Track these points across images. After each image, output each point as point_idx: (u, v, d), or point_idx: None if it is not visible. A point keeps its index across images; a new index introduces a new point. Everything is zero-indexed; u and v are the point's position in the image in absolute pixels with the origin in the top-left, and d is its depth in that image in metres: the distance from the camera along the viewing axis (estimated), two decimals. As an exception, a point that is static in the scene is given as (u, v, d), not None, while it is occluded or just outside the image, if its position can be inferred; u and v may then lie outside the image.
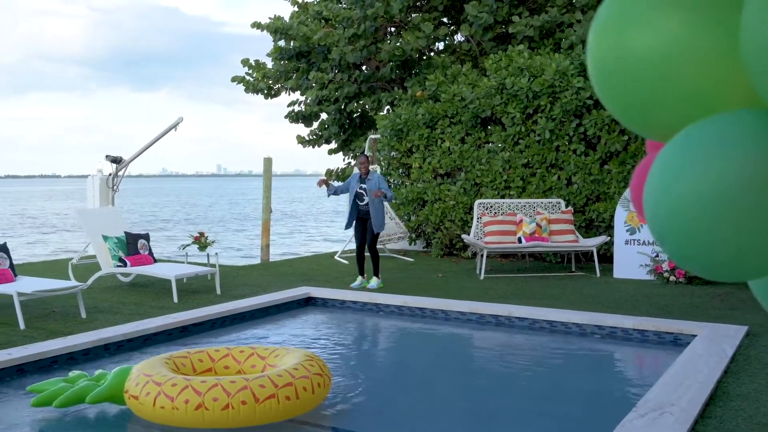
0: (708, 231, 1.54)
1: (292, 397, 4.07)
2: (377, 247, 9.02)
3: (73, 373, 4.60)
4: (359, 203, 8.77)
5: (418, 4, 15.30)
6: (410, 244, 12.95)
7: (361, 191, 8.73)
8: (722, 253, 1.57)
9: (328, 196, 8.94)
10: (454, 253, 12.18)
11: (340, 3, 16.15)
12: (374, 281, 8.85)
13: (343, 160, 17.98)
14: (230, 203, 58.28)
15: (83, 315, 6.98)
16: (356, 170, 8.99)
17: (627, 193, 9.71)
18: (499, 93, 11.34)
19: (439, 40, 15.03)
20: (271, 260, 12.33)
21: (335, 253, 12.65)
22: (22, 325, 6.47)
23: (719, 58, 1.55)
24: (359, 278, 9.03)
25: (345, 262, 11.52)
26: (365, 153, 11.33)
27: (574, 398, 4.88)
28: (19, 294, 6.55)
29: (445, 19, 15.70)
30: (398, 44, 14.59)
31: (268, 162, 12.10)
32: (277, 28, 15.95)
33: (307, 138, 17.88)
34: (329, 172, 17.83)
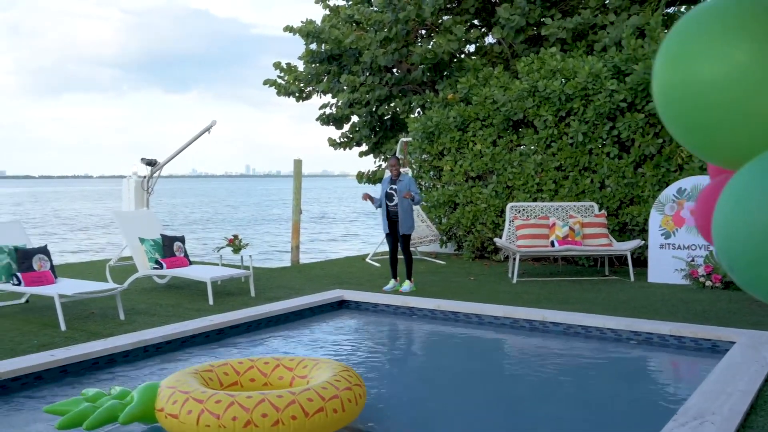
0: None
1: (339, 409, 3.97)
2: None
3: (89, 391, 4.23)
4: (388, 204, 8.83)
5: (449, 6, 15.30)
6: (441, 246, 12.95)
7: (392, 191, 8.80)
8: None
9: (376, 208, 9.06)
10: (485, 256, 12.16)
11: (372, 6, 16.21)
12: (407, 284, 8.87)
13: (374, 162, 18.07)
14: (258, 204, 58.68)
15: (122, 317, 7.10)
16: (387, 173, 9.06)
17: (662, 196, 9.59)
18: (531, 96, 11.29)
19: (471, 43, 15.02)
20: (301, 261, 12.42)
21: (367, 255, 12.70)
22: (63, 327, 6.60)
23: None
24: (392, 281, 9.06)
25: (377, 264, 11.56)
26: (396, 155, 11.36)
27: (611, 406, 4.85)
28: (60, 296, 6.69)
29: (476, 22, 15.68)
30: (430, 47, 14.61)
31: (298, 164, 12.19)
32: (309, 32, 16.08)
33: (338, 140, 17.99)
34: (360, 175, 17.93)
